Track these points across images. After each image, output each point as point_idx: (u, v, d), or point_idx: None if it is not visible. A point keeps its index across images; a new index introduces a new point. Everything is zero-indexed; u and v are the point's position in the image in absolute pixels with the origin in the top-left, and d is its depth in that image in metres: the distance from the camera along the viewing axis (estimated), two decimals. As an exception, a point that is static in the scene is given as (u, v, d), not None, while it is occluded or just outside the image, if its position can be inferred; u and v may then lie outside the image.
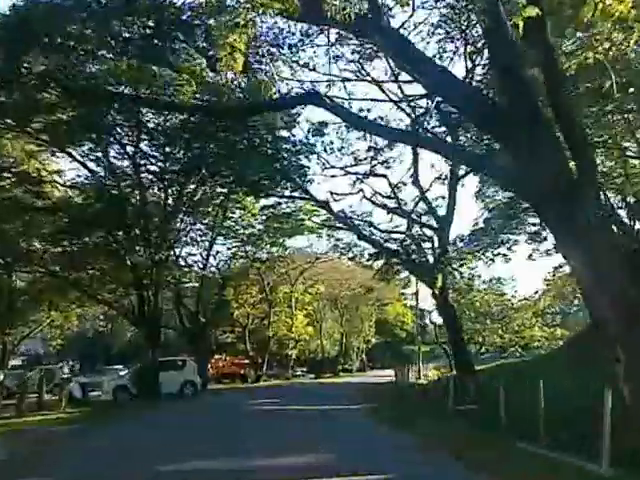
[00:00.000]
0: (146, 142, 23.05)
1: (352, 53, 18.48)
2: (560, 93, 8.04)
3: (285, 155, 23.49)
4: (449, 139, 23.04)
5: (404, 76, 20.82)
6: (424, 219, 23.69)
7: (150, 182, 25.15)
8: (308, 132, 21.52)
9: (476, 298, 37.93)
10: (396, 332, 62.55)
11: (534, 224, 29.16)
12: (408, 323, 61.82)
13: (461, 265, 24.49)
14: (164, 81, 13.20)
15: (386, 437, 11.99)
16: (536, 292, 44.01)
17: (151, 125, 21.84)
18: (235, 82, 13.36)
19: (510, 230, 27.94)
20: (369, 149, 23.04)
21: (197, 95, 15.81)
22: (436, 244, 22.15)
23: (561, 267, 38.81)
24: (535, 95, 8.09)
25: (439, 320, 49.91)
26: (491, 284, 44.49)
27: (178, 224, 27.23)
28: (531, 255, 33.95)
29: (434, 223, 22.37)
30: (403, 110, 20.58)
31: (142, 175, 24.35)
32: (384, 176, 22.68)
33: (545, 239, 32.87)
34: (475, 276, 33.37)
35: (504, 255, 30.41)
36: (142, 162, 24.07)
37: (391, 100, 20.16)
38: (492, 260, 27.71)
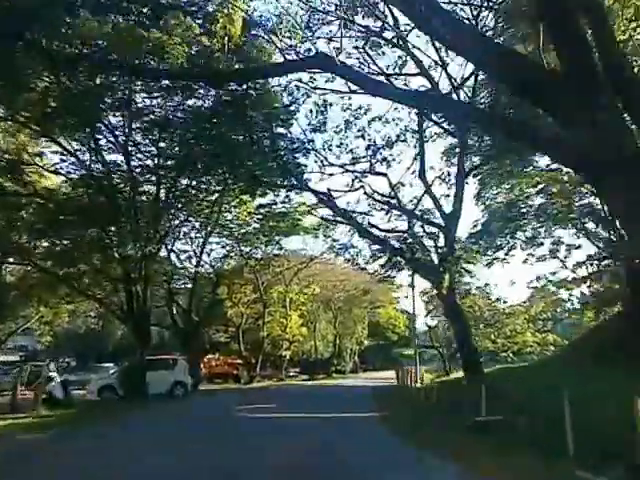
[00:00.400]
0: (139, 134, 22.55)
1: (356, 40, 18.13)
2: (614, 52, 7.36)
3: (283, 153, 23.21)
4: (455, 139, 23.01)
5: (408, 69, 20.75)
6: (426, 217, 23.24)
7: (142, 175, 24.59)
8: (310, 112, 20.97)
9: (471, 301, 37.81)
10: (388, 335, 62.48)
11: (533, 228, 29.14)
12: (400, 326, 61.76)
13: (465, 265, 23.98)
14: (153, 44, 12.45)
15: (421, 466, 9.39)
16: (529, 297, 44.03)
17: (144, 115, 21.38)
18: (232, 45, 12.62)
19: (509, 233, 27.75)
20: (368, 147, 22.82)
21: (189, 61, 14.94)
22: (441, 242, 21.69)
23: (555, 274, 38.85)
24: (592, 56, 7.34)
25: (432, 323, 50.04)
26: (483, 289, 44.42)
27: (171, 218, 26.65)
28: (526, 260, 33.87)
29: (438, 220, 21.90)
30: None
31: (133, 166, 23.77)
32: (384, 174, 22.35)
33: (541, 244, 32.84)
34: (475, 278, 33.02)
35: (502, 259, 30.31)
36: (134, 154, 23.53)
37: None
38: (491, 263, 27.50)
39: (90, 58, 14.92)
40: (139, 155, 24.29)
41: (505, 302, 42.88)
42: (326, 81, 21.55)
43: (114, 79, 17.83)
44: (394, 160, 21.88)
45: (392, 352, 60.86)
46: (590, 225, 31.01)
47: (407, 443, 11.45)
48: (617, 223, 30.45)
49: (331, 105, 20.88)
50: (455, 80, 20.29)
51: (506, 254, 30.59)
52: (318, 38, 19.40)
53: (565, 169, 27.09)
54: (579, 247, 33.08)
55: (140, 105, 21.64)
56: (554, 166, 26.35)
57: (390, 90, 15.01)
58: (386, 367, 57.64)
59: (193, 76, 14.98)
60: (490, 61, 9.29)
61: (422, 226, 22.91)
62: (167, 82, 20.26)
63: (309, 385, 39.07)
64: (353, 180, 23.89)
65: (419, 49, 20.55)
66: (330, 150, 22.11)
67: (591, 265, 34.30)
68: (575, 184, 25.66)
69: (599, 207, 29.57)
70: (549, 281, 37.54)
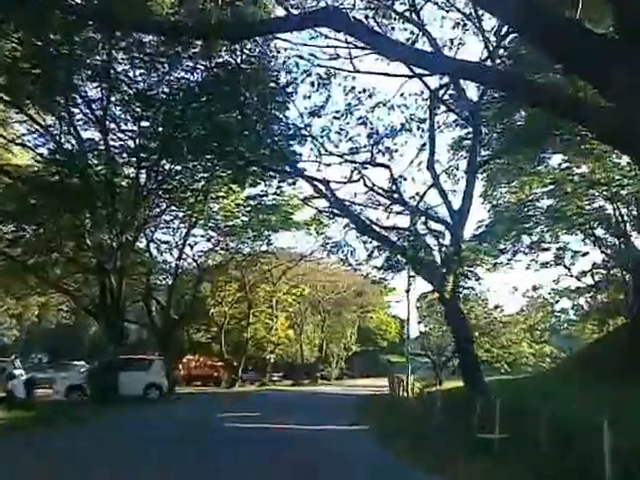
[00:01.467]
0: (119, 108, 20.34)
1: (365, 9, 16.17)
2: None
3: (277, 138, 21.33)
4: (465, 129, 21.29)
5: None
6: (431, 214, 21.34)
7: (120, 155, 22.31)
8: (312, 85, 18.94)
9: (469, 308, 36.11)
10: (377, 341, 60.64)
11: (541, 232, 27.55)
12: (390, 332, 59.95)
13: (471, 268, 22.18)
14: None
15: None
16: (527, 306, 42.59)
17: (125, 86, 19.22)
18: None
19: (514, 236, 26.08)
20: (370, 136, 20.92)
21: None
22: (447, 241, 19.77)
23: (558, 282, 37.37)
24: None
25: (424, 329, 48.23)
26: (480, 295, 42.74)
27: (151, 205, 24.30)
28: (529, 266, 32.30)
29: (443, 217, 20.00)
30: (423, 81, 18.39)
31: (111, 145, 21.49)
32: (386, 166, 20.40)
33: (546, 249, 31.28)
34: (477, 283, 31.24)
35: (506, 264, 28.69)
36: (113, 133, 21.27)
37: (413, 74, 17.79)
38: (493, 268, 25.70)
39: (66, 7, 12.89)
40: (119, 134, 22.05)
41: (502, 310, 41.39)
42: (329, 58, 19.39)
43: (92, 35, 15.70)
44: (397, 151, 19.98)
45: (380, 359, 59.02)
46: (598, 232, 29.71)
47: (412, 467, 9.88)
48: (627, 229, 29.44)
49: (335, 76, 18.72)
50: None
51: (509, 259, 29.06)
52: (324, 8, 17.39)
53: (577, 169, 25.71)
54: (586, 254, 31.72)
55: (121, 76, 19.50)
56: (565, 165, 25.00)
57: (409, 52, 13.27)
58: (373, 374, 55.65)
59: (185, 30, 12.89)
60: (534, 26, 7.85)
61: (425, 223, 20.97)
62: (150, 50, 18.37)
63: (295, 391, 36.88)
64: (352, 171, 22.12)
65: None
66: (329, 138, 20.07)
67: (597, 274, 32.96)
68: (588, 184, 24.17)
69: (610, 212, 28.25)
70: (552, 289, 36.09)
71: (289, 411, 20.54)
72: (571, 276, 33.45)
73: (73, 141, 20.86)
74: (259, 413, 19.47)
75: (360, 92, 20.03)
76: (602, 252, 31.42)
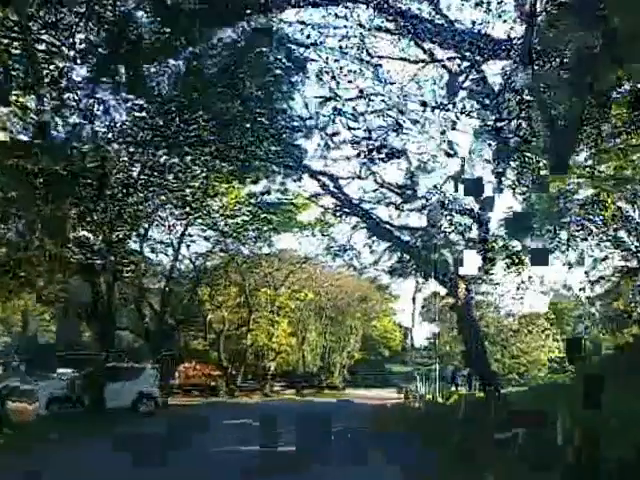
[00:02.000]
0: (109, 93, 18.55)
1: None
2: None
3: (281, 130, 19.92)
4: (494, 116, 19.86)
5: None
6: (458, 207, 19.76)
7: (109, 143, 20.56)
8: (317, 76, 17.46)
9: (480, 315, 34.46)
10: (380, 350, 59.01)
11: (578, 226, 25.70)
12: (395, 340, 58.36)
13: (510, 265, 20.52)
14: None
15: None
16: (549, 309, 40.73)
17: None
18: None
19: (548, 232, 24.26)
20: (383, 123, 19.43)
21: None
22: (473, 234, 18.27)
23: (583, 289, 35.38)
24: None
25: (431, 339, 46.65)
26: (493, 302, 41.05)
27: (144, 198, 22.56)
28: (571, 265, 30.43)
29: (471, 208, 18.44)
30: (445, 66, 16.91)
31: (99, 131, 19.69)
32: (404, 154, 18.88)
33: (568, 248, 29.40)
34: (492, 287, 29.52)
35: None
36: (101, 121, 19.48)
37: (432, 60, 16.40)
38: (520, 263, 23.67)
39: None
40: (108, 123, 20.28)
41: (513, 317, 39.73)
42: (339, 40, 17.86)
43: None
44: (416, 134, 18.58)
45: (385, 368, 57.35)
46: (621, 234, 27.99)
47: None
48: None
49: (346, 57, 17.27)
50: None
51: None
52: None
53: (599, 167, 24.11)
54: (605, 258, 29.89)
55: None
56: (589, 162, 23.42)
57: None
58: (378, 384, 53.50)
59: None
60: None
61: (450, 220, 19.41)
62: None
63: (302, 403, 34.41)
64: (361, 166, 20.84)
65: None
66: (345, 115, 18.51)
67: (616, 277, 31.27)
68: (619, 181, 22.50)
69: (632, 214, 26.64)
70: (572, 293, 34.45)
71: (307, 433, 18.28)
72: (589, 281, 31.69)
73: (59, 127, 19.12)
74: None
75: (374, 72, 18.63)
76: (622, 257, 29.71)
